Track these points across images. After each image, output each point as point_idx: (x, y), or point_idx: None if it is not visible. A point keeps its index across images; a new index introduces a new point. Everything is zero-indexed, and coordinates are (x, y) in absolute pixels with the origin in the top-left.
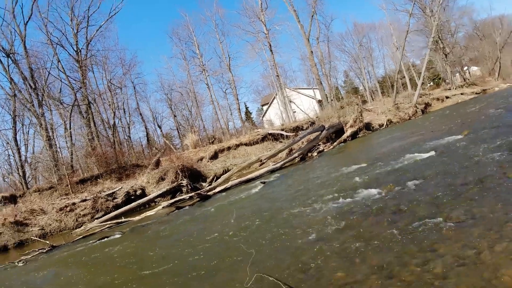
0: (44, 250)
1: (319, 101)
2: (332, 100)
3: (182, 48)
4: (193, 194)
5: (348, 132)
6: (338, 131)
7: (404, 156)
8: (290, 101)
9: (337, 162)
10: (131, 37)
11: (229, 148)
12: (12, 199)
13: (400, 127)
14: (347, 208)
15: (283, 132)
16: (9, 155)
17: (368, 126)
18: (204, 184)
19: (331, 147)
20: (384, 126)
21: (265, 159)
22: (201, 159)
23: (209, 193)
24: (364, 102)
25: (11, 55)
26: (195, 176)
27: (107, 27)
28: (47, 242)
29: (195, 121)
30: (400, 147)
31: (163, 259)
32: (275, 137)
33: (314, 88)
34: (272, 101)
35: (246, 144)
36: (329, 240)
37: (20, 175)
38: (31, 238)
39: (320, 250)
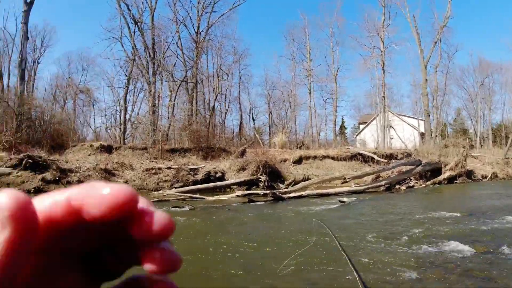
0: None
1: (422, 134)
2: (436, 136)
3: (293, 49)
4: (268, 192)
5: (446, 174)
6: (435, 170)
7: (505, 217)
8: (390, 126)
9: (426, 203)
10: (248, 29)
11: (315, 157)
12: (108, 149)
13: (505, 184)
14: (430, 257)
15: (375, 156)
16: (116, 110)
17: (469, 174)
18: (281, 185)
19: (423, 185)
20: (487, 179)
21: (349, 178)
22: (285, 160)
23: (283, 196)
24: (472, 147)
25: (138, 23)
26: (274, 175)
27: (229, 16)
28: None
29: (289, 122)
30: (502, 206)
31: (221, 244)
32: (365, 159)
33: (419, 119)
34: (371, 121)
35: (333, 158)
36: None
37: (121, 130)
38: None
39: None
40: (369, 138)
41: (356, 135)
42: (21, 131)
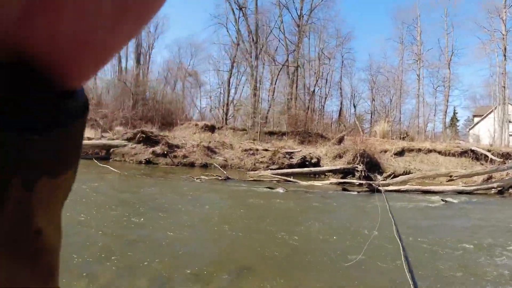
0: (220, 178)
1: None
2: None
3: (402, 32)
4: (364, 182)
5: None
6: None
7: None
8: (510, 121)
9: None
10: (352, 10)
11: (419, 150)
12: (211, 128)
13: None
14: None
15: (489, 154)
16: (220, 93)
17: None
18: (378, 177)
19: None
20: None
21: (456, 176)
22: (385, 151)
23: (380, 188)
24: None
25: (243, 9)
26: (372, 165)
27: None
28: (225, 172)
29: (393, 110)
30: None
31: (310, 232)
32: (477, 157)
33: None
34: (488, 114)
35: (439, 152)
36: None
37: (223, 111)
38: (214, 164)
39: None
40: (484, 133)
41: (469, 129)
42: (136, 109)
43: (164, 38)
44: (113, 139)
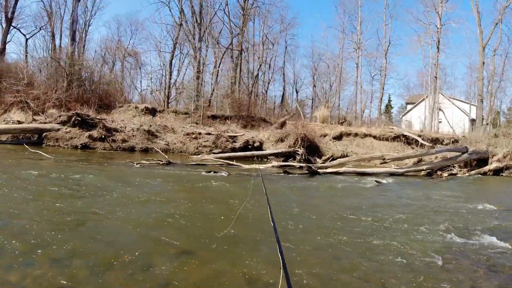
0: (161, 162)
1: (472, 120)
2: (487, 124)
3: (344, 21)
4: (304, 165)
5: (492, 165)
6: (481, 160)
7: None
8: (440, 109)
9: (467, 193)
10: None
11: (356, 135)
12: (152, 112)
13: None
14: (460, 249)
15: (419, 139)
16: (162, 75)
17: None
18: (318, 160)
19: (467, 174)
20: None
21: (389, 159)
22: (325, 135)
23: (319, 170)
24: None
25: None
26: (312, 149)
27: None
28: (166, 157)
29: (332, 97)
30: None
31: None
32: (408, 141)
33: (471, 104)
34: (420, 102)
35: (374, 137)
36: (416, 271)
37: (165, 94)
38: (155, 149)
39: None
40: (415, 120)
41: (402, 116)
42: (71, 90)
43: (102, 15)
44: (45, 123)
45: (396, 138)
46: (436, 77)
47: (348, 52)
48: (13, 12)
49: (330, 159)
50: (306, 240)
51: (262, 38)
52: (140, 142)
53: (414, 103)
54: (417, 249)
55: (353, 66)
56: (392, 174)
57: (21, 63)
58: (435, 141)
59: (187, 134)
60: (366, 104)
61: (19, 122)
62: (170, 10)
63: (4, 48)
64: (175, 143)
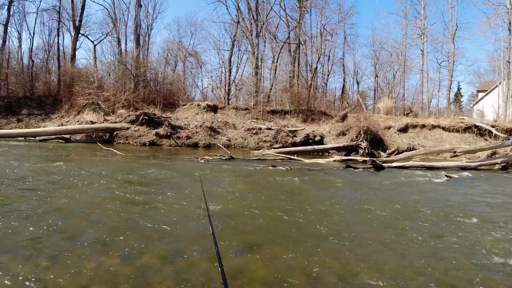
0: (224, 158)
1: None
2: None
3: (405, 6)
4: (368, 159)
5: None
6: None
7: None
8: None
9: None
10: None
11: (423, 126)
12: (213, 109)
13: None
14: None
15: (493, 130)
16: (222, 72)
17: None
18: (382, 153)
19: None
20: None
21: (460, 152)
22: (389, 128)
23: (383, 164)
24: None
25: None
26: (375, 142)
27: None
28: (228, 152)
29: (396, 87)
30: None
31: (316, 209)
32: (481, 132)
33: None
34: (492, 89)
35: (443, 128)
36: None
37: (225, 91)
38: (217, 145)
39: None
40: (488, 109)
41: (473, 105)
42: (137, 91)
43: (162, 18)
44: (116, 122)
45: (467, 129)
46: (509, 62)
47: (412, 39)
48: (80, 21)
49: (396, 152)
50: (371, 237)
51: (320, 30)
52: (203, 138)
53: (486, 90)
54: (497, 249)
55: (418, 53)
56: (463, 168)
57: (91, 68)
58: (511, 131)
59: (248, 129)
60: (433, 93)
61: (92, 122)
62: (227, 9)
63: (74, 55)
64: (236, 139)
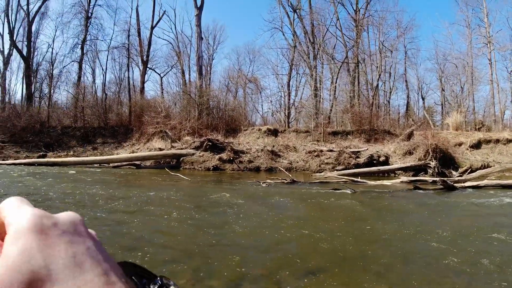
0: (286, 181)
1: None
2: None
3: (467, 14)
4: (437, 179)
5: None
6: None
7: None
8: None
9: None
10: None
11: (497, 141)
12: (274, 132)
13: None
14: None
15: None
16: (281, 96)
17: None
18: (454, 172)
19: None
20: None
21: None
22: (460, 144)
23: (455, 185)
24: None
25: (297, 11)
26: (446, 160)
27: None
28: (290, 175)
29: (465, 100)
30: None
31: (383, 234)
32: None
33: None
34: None
35: None
36: None
37: (285, 115)
38: (279, 168)
39: None
40: None
41: None
42: (201, 118)
43: (223, 48)
44: (182, 149)
45: None
46: None
47: (477, 48)
48: (147, 56)
49: (469, 171)
50: (442, 264)
51: (379, 47)
52: (264, 162)
53: None
54: None
55: (485, 63)
56: None
57: (158, 99)
58: None
59: (309, 152)
60: (506, 105)
61: (160, 149)
62: (283, 34)
63: (143, 87)
64: (297, 162)
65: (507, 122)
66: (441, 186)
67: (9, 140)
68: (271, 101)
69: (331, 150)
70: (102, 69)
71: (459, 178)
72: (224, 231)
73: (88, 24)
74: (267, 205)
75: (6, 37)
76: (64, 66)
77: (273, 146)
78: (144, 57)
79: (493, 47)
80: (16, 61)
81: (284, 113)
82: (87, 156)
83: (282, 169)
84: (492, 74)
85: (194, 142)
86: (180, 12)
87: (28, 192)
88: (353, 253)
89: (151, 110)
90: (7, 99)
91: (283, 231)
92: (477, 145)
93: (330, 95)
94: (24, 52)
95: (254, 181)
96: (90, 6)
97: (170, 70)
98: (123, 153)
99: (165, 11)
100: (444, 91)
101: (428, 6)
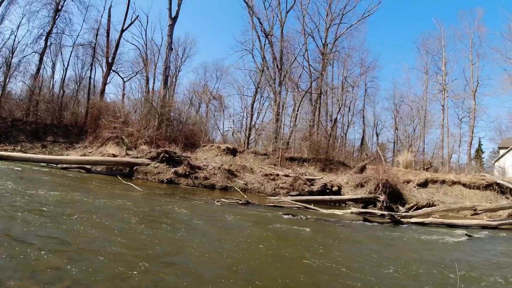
0: (240, 202)
1: None
2: None
3: (426, 62)
4: (386, 213)
5: None
6: None
7: None
8: None
9: None
10: (377, 39)
11: (443, 182)
12: (233, 152)
13: None
14: None
15: None
16: (243, 117)
17: None
18: (400, 208)
19: None
20: None
21: (481, 210)
22: (408, 181)
23: (402, 220)
24: None
25: (269, 36)
26: (394, 196)
27: (357, 27)
28: (245, 196)
29: (416, 140)
30: None
31: (333, 263)
32: (502, 190)
33: None
34: None
35: (464, 185)
36: None
37: (245, 135)
38: (234, 188)
39: None
40: (509, 166)
41: (495, 162)
42: (161, 129)
43: (191, 62)
44: (137, 157)
45: (488, 186)
46: None
47: (432, 94)
48: (113, 58)
49: (415, 207)
50: None
51: (342, 81)
52: (220, 181)
53: (508, 147)
54: None
55: (438, 108)
56: (484, 227)
57: (118, 103)
58: None
59: (265, 175)
60: (453, 149)
61: (114, 156)
62: (253, 57)
63: (104, 89)
64: (253, 183)
65: (453, 165)
66: (389, 220)
67: None
68: (233, 120)
69: (287, 175)
70: (64, 65)
71: (406, 213)
72: (172, 248)
73: (57, 16)
74: (220, 225)
75: None
76: (24, 56)
77: (231, 165)
78: (110, 58)
79: (447, 94)
80: None
81: (245, 133)
82: (35, 154)
83: (238, 189)
84: (443, 119)
85: (150, 152)
86: (153, 19)
87: None
88: (305, 283)
89: (109, 114)
90: None
91: (235, 254)
92: (424, 184)
93: (290, 122)
94: None
95: (208, 198)
96: None
97: (135, 75)
98: (74, 155)
99: (138, 16)
100: (397, 130)
101: (392, 49)
